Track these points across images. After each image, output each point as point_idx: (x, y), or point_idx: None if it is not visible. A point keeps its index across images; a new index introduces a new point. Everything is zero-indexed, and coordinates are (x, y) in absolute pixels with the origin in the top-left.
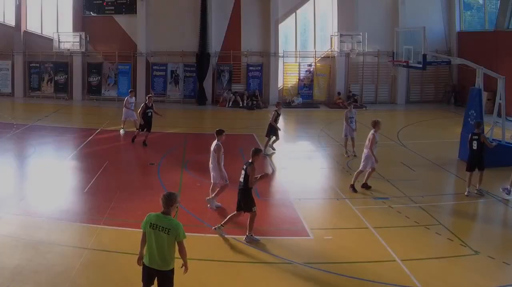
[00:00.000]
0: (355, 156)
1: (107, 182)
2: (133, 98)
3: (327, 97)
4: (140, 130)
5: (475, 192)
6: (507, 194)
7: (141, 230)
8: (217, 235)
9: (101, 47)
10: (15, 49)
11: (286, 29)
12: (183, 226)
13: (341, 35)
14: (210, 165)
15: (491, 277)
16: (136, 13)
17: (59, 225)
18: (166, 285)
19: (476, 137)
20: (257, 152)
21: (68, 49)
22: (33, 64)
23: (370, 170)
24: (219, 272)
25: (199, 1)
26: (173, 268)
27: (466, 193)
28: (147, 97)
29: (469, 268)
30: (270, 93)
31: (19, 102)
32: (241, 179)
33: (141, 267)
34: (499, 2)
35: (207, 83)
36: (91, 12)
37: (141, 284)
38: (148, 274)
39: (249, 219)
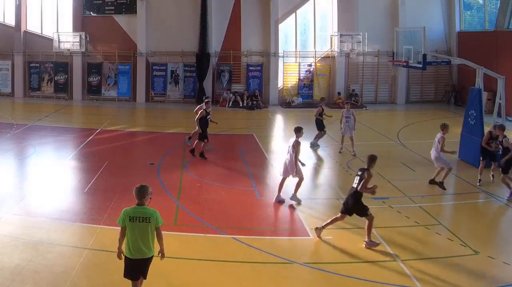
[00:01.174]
0: (354, 155)
1: (107, 182)
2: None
3: (327, 97)
4: (206, 140)
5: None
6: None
7: (120, 226)
8: (217, 235)
9: (101, 47)
10: (15, 49)
11: (286, 29)
12: (159, 213)
13: (341, 35)
14: (286, 161)
15: (491, 277)
16: (136, 13)
17: (59, 225)
18: (147, 269)
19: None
20: (373, 159)
21: (68, 49)
22: (33, 64)
23: (447, 170)
24: (219, 272)
25: (199, 1)
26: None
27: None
28: (204, 102)
29: (469, 268)
30: (270, 93)
31: (19, 102)
32: (354, 185)
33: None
34: (499, 2)
35: (207, 83)
36: (91, 12)
37: (130, 279)
38: (135, 266)
39: (367, 224)
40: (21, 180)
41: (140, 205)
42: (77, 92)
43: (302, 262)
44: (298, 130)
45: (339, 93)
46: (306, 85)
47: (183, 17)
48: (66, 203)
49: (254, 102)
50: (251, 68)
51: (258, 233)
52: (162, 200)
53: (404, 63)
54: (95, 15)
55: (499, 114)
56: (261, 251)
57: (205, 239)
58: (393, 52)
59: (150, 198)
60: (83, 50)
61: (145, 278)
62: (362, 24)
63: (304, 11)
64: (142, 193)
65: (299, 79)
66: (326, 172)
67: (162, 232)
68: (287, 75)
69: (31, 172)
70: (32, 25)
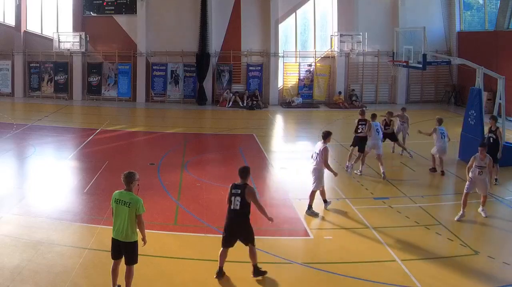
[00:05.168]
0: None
1: (107, 182)
2: None
3: (327, 97)
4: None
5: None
6: (347, 170)
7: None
8: (217, 235)
9: (101, 47)
10: (15, 49)
11: (286, 29)
12: (143, 202)
13: (341, 35)
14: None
15: (491, 277)
16: (136, 13)
17: (59, 225)
18: (131, 256)
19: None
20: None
21: (68, 49)
22: (33, 64)
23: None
24: None
25: (199, 1)
26: (136, 241)
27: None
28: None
29: (469, 268)
30: (270, 93)
31: (19, 102)
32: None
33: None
34: (499, 2)
35: (207, 83)
36: (91, 12)
37: (112, 258)
38: (115, 246)
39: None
40: (21, 180)
41: (127, 190)
42: (77, 92)
43: (302, 262)
44: (327, 135)
45: (339, 93)
46: (306, 85)
47: (183, 17)
48: (66, 203)
49: (254, 102)
50: (251, 68)
51: (257, 233)
52: (162, 200)
53: (404, 63)
54: (95, 15)
55: (499, 114)
56: (261, 251)
57: (205, 239)
58: (393, 52)
59: (138, 185)
60: (83, 50)
61: (127, 263)
62: (362, 24)
63: (304, 11)
64: (129, 178)
65: (299, 79)
66: (326, 172)
67: (171, 231)
68: (287, 75)
69: (31, 172)
70: (32, 25)
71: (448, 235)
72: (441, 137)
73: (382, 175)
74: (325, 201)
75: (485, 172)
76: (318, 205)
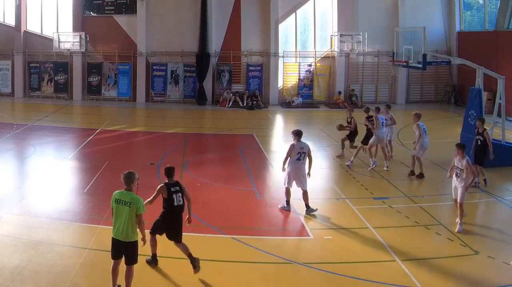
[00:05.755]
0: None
1: (107, 182)
2: None
3: (327, 97)
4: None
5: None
6: (348, 165)
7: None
8: (217, 235)
9: (101, 47)
10: (15, 49)
11: (286, 29)
12: (143, 201)
13: (341, 35)
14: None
15: (491, 277)
16: (136, 13)
17: (59, 225)
18: (131, 255)
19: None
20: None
21: (68, 49)
22: (33, 64)
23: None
24: (219, 272)
25: (199, 1)
26: (137, 241)
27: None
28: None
29: (469, 268)
30: (270, 93)
31: (19, 102)
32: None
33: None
34: (499, 2)
35: (207, 83)
36: (91, 12)
37: (112, 258)
38: (115, 245)
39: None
40: (21, 180)
41: (127, 190)
42: (77, 92)
43: (302, 262)
44: (301, 133)
45: (339, 93)
46: (306, 85)
47: (183, 17)
48: (66, 203)
49: (254, 102)
50: (251, 68)
51: (258, 233)
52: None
53: (404, 63)
54: (95, 15)
55: (499, 114)
56: (261, 251)
57: (205, 239)
58: (393, 52)
59: (138, 184)
60: (83, 50)
61: (127, 263)
62: (362, 24)
63: (304, 11)
64: (129, 178)
65: (299, 79)
66: (326, 172)
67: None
68: (287, 75)
69: (31, 172)
70: (32, 25)
71: (448, 235)
72: (424, 134)
73: (387, 168)
74: (287, 202)
75: (462, 176)
76: (316, 203)
